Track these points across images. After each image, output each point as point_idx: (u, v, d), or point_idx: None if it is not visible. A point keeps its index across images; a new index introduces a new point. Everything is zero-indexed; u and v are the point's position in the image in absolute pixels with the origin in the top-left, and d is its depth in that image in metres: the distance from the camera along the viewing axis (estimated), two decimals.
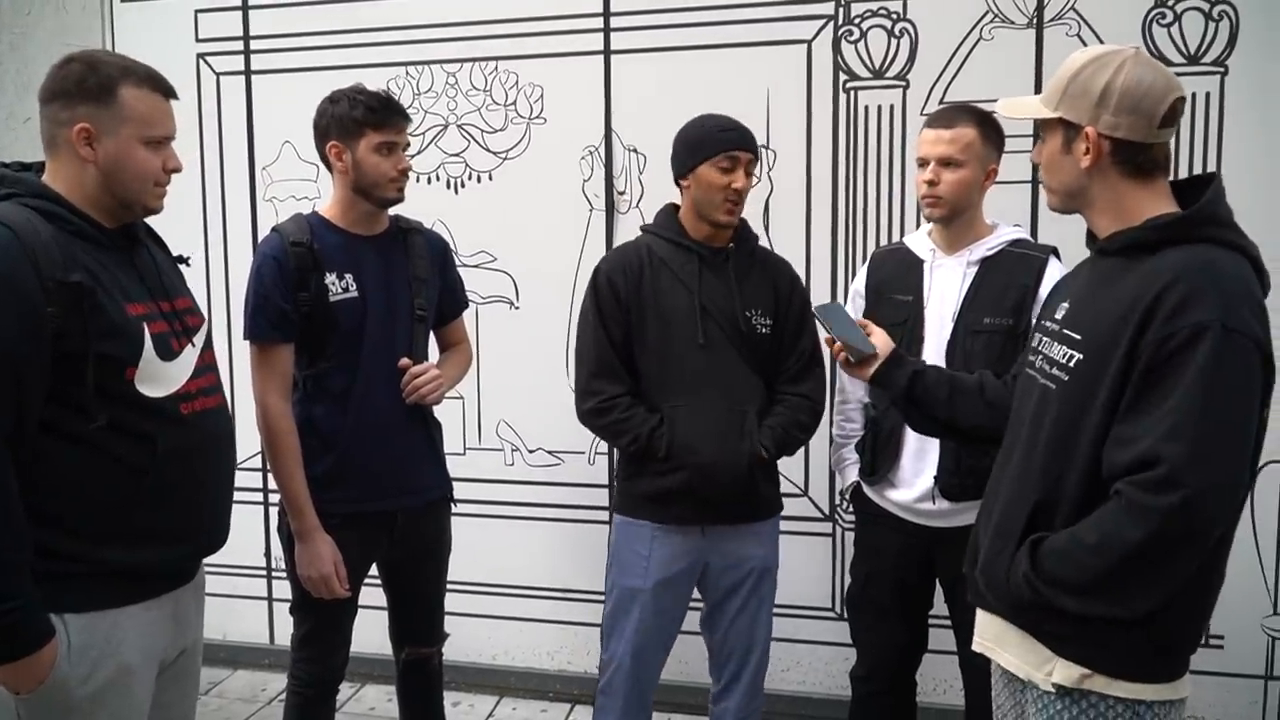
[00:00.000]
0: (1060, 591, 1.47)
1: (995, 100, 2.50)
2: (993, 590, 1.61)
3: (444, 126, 3.31)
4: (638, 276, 2.34)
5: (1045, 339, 1.63)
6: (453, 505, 2.50)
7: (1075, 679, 1.49)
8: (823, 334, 2.23)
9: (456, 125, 3.31)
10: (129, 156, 1.69)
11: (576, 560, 3.35)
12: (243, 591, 3.56)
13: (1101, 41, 2.78)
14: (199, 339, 1.81)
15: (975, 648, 1.70)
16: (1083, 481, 1.49)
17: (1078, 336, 1.54)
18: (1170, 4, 2.75)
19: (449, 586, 2.56)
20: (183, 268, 1.94)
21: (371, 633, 2.57)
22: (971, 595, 1.69)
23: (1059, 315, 1.62)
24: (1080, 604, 1.46)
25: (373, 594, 2.45)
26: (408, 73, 3.31)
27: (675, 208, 2.41)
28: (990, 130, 2.28)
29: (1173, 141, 2.79)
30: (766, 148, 3.04)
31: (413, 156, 2.92)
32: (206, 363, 1.82)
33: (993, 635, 1.66)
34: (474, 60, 3.26)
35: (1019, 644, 1.59)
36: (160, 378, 1.70)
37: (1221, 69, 2.75)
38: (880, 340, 1.99)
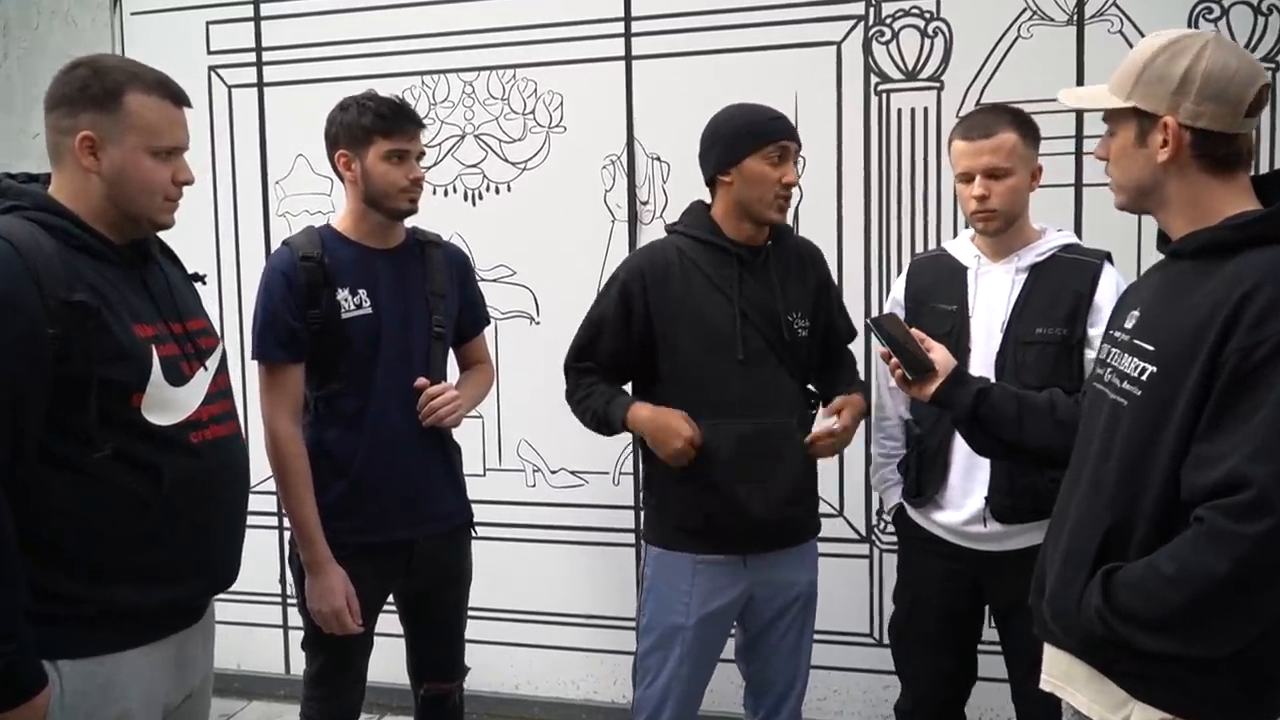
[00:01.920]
0: (1135, 627, 1.34)
1: (1034, 101, 2.43)
2: (1061, 624, 1.47)
3: (461, 137, 3.21)
4: (663, 284, 2.17)
5: (1115, 350, 1.50)
6: (473, 532, 2.38)
7: None
8: (878, 348, 2.09)
9: (474, 135, 3.21)
10: (135, 167, 1.60)
11: (601, 585, 3.23)
12: (257, 619, 3.46)
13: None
14: (212, 362, 1.71)
15: (1044, 685, 1.56)
16: (1159, 505, 1.36)
17: (1150, 347, 1.41)
18: None
19: (468, 613, 2.44)
20: (198, 286, 1.85)
21: (391, 661, 2.46)
22: (1038, 629, 1.55)
23: (1129, 325, 1.49)
24: (1158, 641, 1.33)
25: (390, 621, 2.34)
26: (423, 82, 3.21)
27: (706, 206, 2.25)
28: (1029, 129, 2.15)
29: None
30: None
31: (429, 168, 2.83)
32: (220, 388, 1.72)
33: (1061, 672, 1.52)
34: (491, 68, 3.16)
35: (1090, 683, 1.46)
36: (169, 404, 1.60)
37: (1273, 64, 2.61)
38: (940, 356, 1.85)
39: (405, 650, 2.38)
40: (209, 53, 3.38)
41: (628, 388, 2.29)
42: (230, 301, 3.42)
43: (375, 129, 2.13)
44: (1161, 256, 1.54)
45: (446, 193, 3.23)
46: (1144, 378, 1.40)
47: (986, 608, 2.29)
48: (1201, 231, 1.40)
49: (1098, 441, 1.47)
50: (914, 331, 1.91)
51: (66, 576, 1.51)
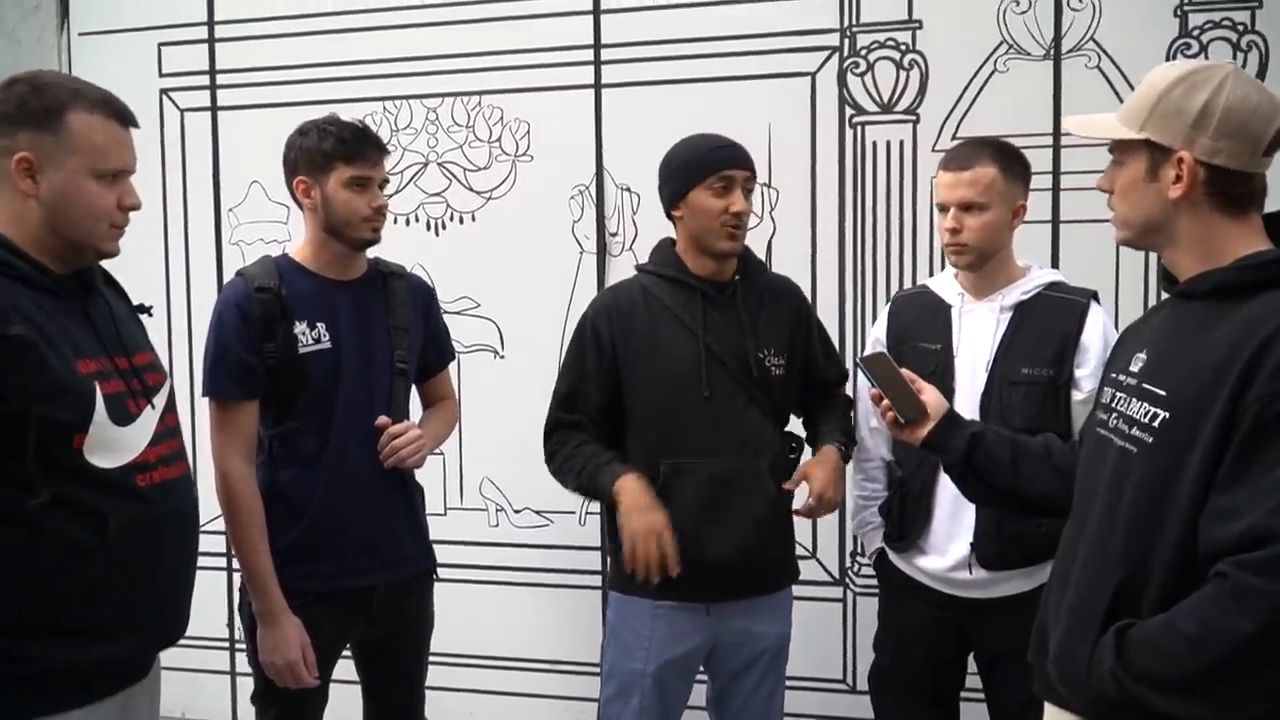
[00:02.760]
0: (1151, 689, 1.26)
1: (1011, 136, 2.39)
2: (1068, 684, 1.39)
3: (424, 164, 3.12)
4: (628, 322, 2.10)
5: (1120, 395, 1.43)
6: (435, 577, 2.26)
7: None
8: (867, 388, 2.01)
9: (437, 163, 3.11)
10: (77, 191, 1.50)
11: (566, 629, 3.11)
12: (204, 665, 3.28)
13: (1123, 74, 2.65)
14: (160, 399, 1.61)
15: None
16: (1174, 558, 1.28)
17: (1162, 392, 1.34)
18: (1195, 34, 2.62)
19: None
20: (144, 318, 1.74)
21: (346, 713, 2.32)
22: (1039, 688, 1.47)
23: (1134, 368, 1.42)
24: (1176, 704, 1.25)
25: (344, 668, 2.20)
26: (385, 108, 3.12)
27: (673, 242, 2.19)
28: (1014, 164, 2.10)
29: None
30: (769, 185, 2.86)
31: (391, 196, 2.73)
32: (168, 427, 1.61)
33: None
34: (455, 95, 3.08)
35: None
36: (114, 445, 1.49)
37: None
38: (931, 398, 1.78)
39: (362, 700, 2.25)
40: (161, 75, 3.26)
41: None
42: (180, 335, 3.28)
43: (336, 154, 2.03)
44: (1164, 295, 1.49)
45: (409, 222, 3.13)
46: (1155, 424, 1.33)
47: (970, 656, 2.21)
48: (1215, 271, 1.35)
49: (1105, 490, 1.40)
50: (904, 372, 1.84)
51: (2, 634, 1.40)
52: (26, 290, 1.46)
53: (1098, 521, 1.40)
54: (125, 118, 1.57)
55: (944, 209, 2.11)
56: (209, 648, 3.27)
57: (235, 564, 3.15)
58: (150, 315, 1.76)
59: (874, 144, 2.84)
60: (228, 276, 3.21)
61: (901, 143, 2.82)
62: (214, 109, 3.24)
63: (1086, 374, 2.00)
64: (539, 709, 3.14)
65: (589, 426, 2.13)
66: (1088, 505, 1.44)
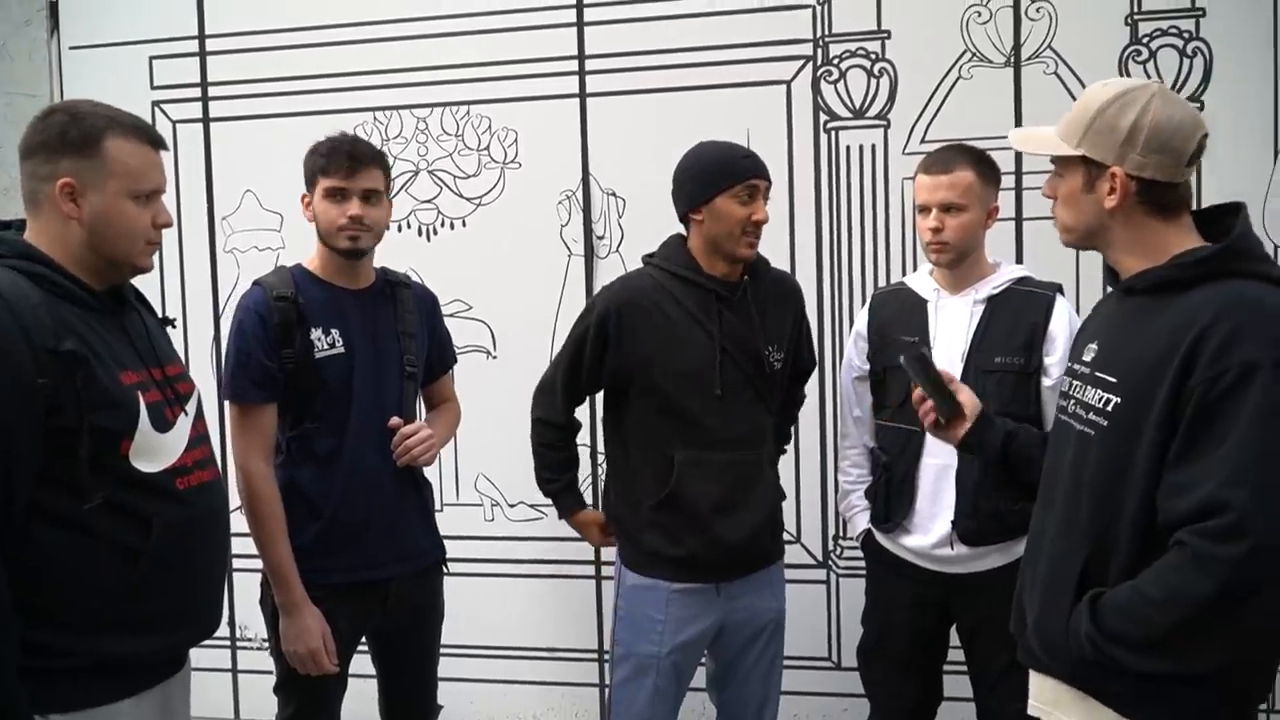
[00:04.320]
0: (1126, 650, 1.40)
1: (975, 139, 2.54)
2: (1049, 652, 1.53)
3: (415, 172, 3.21)
4: (640, 319, 2.18)
5: (1076, 383, 1.57)
6: (445, 569, 2.37)
7: None
8: (849, 380, 2.16)
9: (427, 171, 3.21)
10: (117, 212, 1.59)
11: (561, 617, 3.23)
12: (206, 664, 3.35)
13: (1079, 79, 2.81)
14: (191, 407, 1.71)
15: (1032, 712, 1.61)
16: (1134, 530, 1.43)
17: (1113, 379, 1.48)
18: (1145, 41, 2.79)
19: None
20: (169, 330, 1.84)
21: (356, 703, 2.42)
22: (1022, 656, 1.61)
23: (1087, 358, 1.56)
24: (1148, 662, 1.39)
25: (360, 662, 2.30)
26: (375, 118, 3.21)
27: (683, 239, 2.26)
28: (987, 169, 2.25)
29: None
30: None
31: None
32: (199, 433, 1.71)
33: (1050, 699, 1.58)
34: (444, 105, 3.18)
35: (1079, 706, 1.51)
36: (157, 451, 1.59)
37: (1197, 104, 2.78)
38: (967, 398, 1.86)
39: (378, 691, 2.35)
40: (152, 88, 3.33)
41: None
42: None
43: (316, 168, 2.14)
44: (1107, 290, 1.62)
45: (400, 228, 3.22)
46: (1109, 408, 1.47)
47: (953, 629, 2.36)
48: (1154, 269, 1.48)
49: (1068, 471, 1.53)
50: (942, 371, 1.92)
51: (57, 630, 1.49)
52: (72, 307, 1.55)
53: (1064, 500, 1.53)
54: (156, 141, 1.66)
55: (925, 210, 2.22)
56: (210, 646, 3.33)
57: (239, 564, 3.26)
58: (175, 327, 1.85)
59: (847, 148, 2.98)
60: (223, 284, 3.33)
61: (874, 146, 2.97)
62: (206, 120, 3.32)
63: (1054, 361, 2.15)
64: (535, 694, 3.26)
65: (571, 426, 2.37)
66: (1053, 485, 1.58)
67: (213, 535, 1.71)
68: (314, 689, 2.14)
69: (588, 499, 3.11)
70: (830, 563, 3.08)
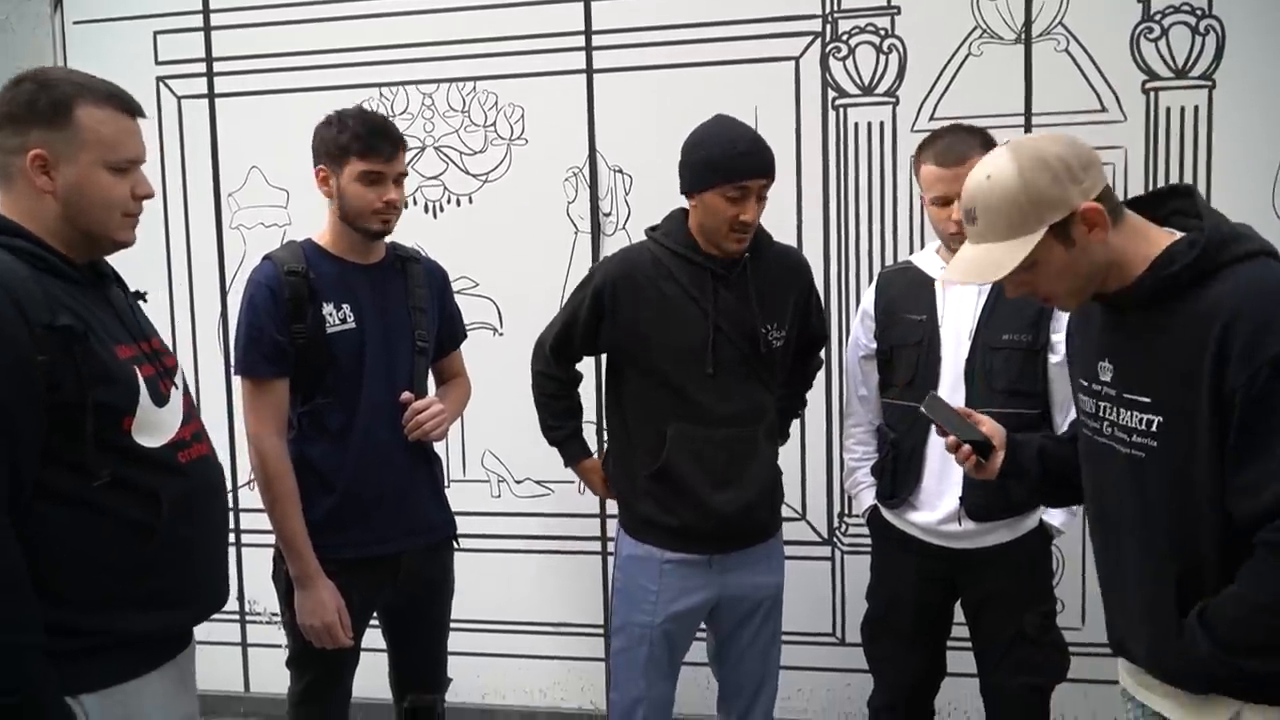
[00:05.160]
0: (1249, 656, 1.40)
1: (984, 117, 2.53)
2: (1174, 679, 1.51)
3: (421, 149, 3.20)
4: (638, 293, 2.20)
5: (1105, 404, 1.55)
6: (456, 544, 2.39)
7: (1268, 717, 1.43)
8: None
9: (434, 147, 3.21)
10: (92, 184, 1.53)
11: (568, 593, 3.25)
12: (216, 638, 3.38)
13: (1090, 56, 2.81)
14: (179, 380, 1.68)
15: (1162, 711, 1.58)
16: (1216, 539, 1.42)
17: (1146, 399, 1.46)
18: (1157, 18, 2.78)
19: None
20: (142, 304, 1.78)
21: (368, 676, 2.44)
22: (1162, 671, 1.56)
23: (1107, 378, 1.55)
24: (1270, 664, 1.39)
25: (369, 636, 2.32)
26: (381, 94, 3.20)
27: (686, 214, 2.25)
28: (991, 147, 2.23)
29: (1164, 156, 2.82)
30: None
31: None
32: (190, 406, 1.69)
33: (1169, 700, 1.55)
34: (451, 80, 3.17)
35: (1193, 704, 1.50)
36: (157, 425, 1.57)
37: (1210, 82, 2.77)
38: (991, 429, 1.82)
39: (389, 663, 2.38)
40: (157, 63, 3.31)
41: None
42: (183, 317, 3.35)
43: (351, 148, 2.10)
44: None
45: (407, 205, 3.21)
46: (1154, 429, 1.45)
47: (956, 605, 2.38)
48: (1143, 280, 1.45)
49: (1129, 498, 1.52)
50: (960, 409, 1.89)
51: (76, 610, 1.48)
52: (59, 282, 1.51)
53: (1135, 525, 1.51)
54: (132, 108, 1.59)
55: (944, 201, 2.19)
56: (220, 620, 3.36)
57: (247, 539, 3.28)
58: (145, 301, 1.77)
59: (855, 125, 2.98)
60: (229, 260, 3.33)
61: (882, 124, 2.96)
62: (211, 96, 3.30)
63: (1061, 338, 2.15)
64: (542, 669, 3.29)
65: (571, 378, 2.42)
66: (1109, 510, 1.56)
67: (216, 508, 1.71)
68: (328, 662, 2.16)
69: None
70: (835, 539, 3.09)
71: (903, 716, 2.42)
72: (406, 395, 2.17)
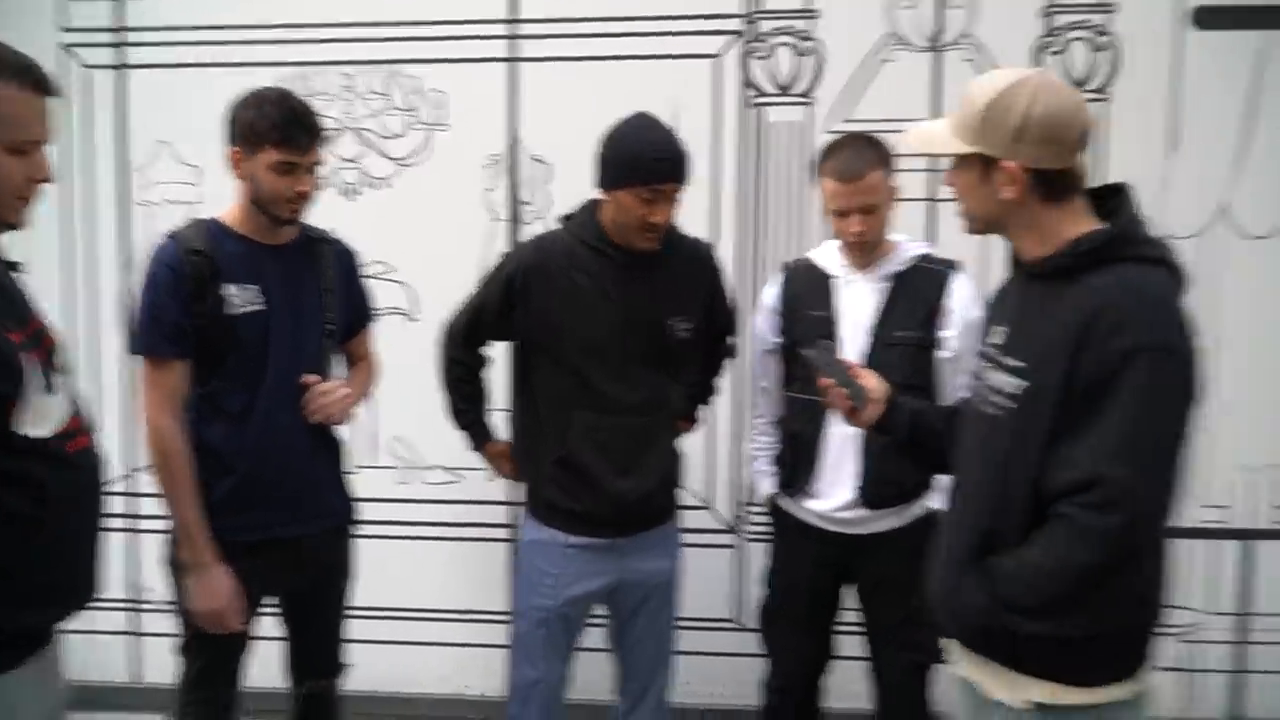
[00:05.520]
0: (1018, 615, 1.48)
1: (896, 120, 2.59)
2: (955, 620, 1.61)
3: (339, 131, 3.17)
4: (549, 281, 2.22)
5: (986, 365, 1.64)
6: (357, 529, 2.38)
7: (1046, 694, 1.51)
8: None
9: (352, 130, 3.17)
10: None
11: (476, 580, 3.25)
12: (102, 626, 3.30)
13: (995, 65, 2.89)
14: (63, 364, 1.61)
15: (955, 673, 1.69)
16: (1028, 504, 1.50)
17: (1021, 364, 1.54)
18: (1058, 34, 2.89)
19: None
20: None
21: (256, 665, 2.42)
22: (939, 621, 1.67)
23: (996, 341, 1.63)
24: (1041, 626, 1.47)
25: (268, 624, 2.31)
26: (300, 73, 3.15)
27: (598, 204, 2.27)
28: (887, 159, 2.28)
29: None
30: None
31: None
32: (74, 393, 1.62)
33: (957, 656, 1.66)
34: (372, 63, 3.14)
35: (983, 666, 1.59)
36: (45, 413, 1.51)
37: (1106, 96, 2.90)
38: (873, 383, 1.90)
39: (286, 648, 2.36)
40: (63, 30, 3.21)
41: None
42: (87, 294, 3.26)
43: (268, 136, 2.06)
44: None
45: (322, 186, 3.17)
46: (1017, 392, 1.53)
47: (846, 589, 2.46)
48: (1052, 257, 1.54)
49: (978, 451, 1.61)
50: (845, 360, 1.96)
51: None
52: None
53: (971, 478, 1.61)
54: (44, 86, 1.51)
55: (843, 214, 2.25)
56: (108, 608, 3.28)
57: (140, 526, 3.21)
58: (19, 273, 1.67)
59: (773, 125, 3.04)
60: (134, 236, 3.25)
61: (799, 125, 3.02)
62: (121, 67, 3.21)
63: (951, 335, 2.26)
64: (449, 656, 3.29)
65: (478, 363, 2.43)
66: (965, 468, 1.65)
67: (97, 499, 1.65)
68: (220, 648, 2.14)
69: None
70: (740, 528, 3.16)
71: (796, 698, 2.50)
72: (310, 377, 2.16)
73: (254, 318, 2.10)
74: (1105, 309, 1.43)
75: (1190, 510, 3.07)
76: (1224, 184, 2.96)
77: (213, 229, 2.13)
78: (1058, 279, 1.53)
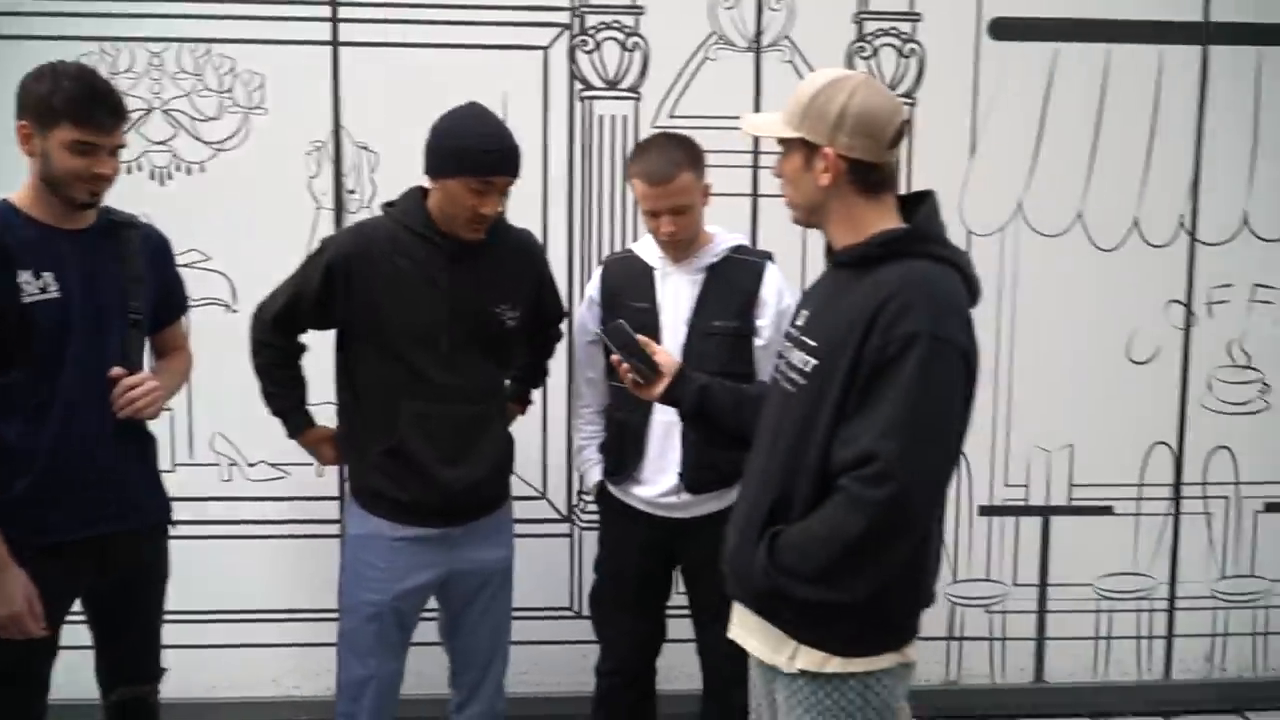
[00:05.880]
0: (793, 580, 1.57)
1: (718, 118, 2.71)
2: (740, 584, 1.69)
3: (147, 111, 3.01)
4: (372, 268, 2.19)
5: (788, 345, 1.74)
6: (171, 529, 2.29)
7: (813, 662, 1.61)
8: (583, 345, 2.28)
9: (162, 110, 3.02)
10: None
11: (304, 578, 3.16)
12: None
13: (811, 68, 3.03)
14: None
15: (731, 636, 1.79)
16: (813, 479, 1.59)
17: (814, 344, 1.64)
18: (869, 39, 3.06)
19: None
20: None
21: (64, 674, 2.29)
22: (728, 588, 1.76)
23: (799, 323, 1.73)
24: (812, 592, 1.56)
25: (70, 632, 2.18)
26: (103, 49, 2.97)
27: (423, 193, 2.26)
28: (698, 159, 2.35)
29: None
30: None
31: None
32: None
33: (739, 622, 1.76)
34: (182, 40, 3.00)
35: (763, 632, 1.68)
36: None
37: (912, 100, 3.08)
38: (665, 359, 2.00)
39: (95, 655, 2.24)
40: None
41: None
42: None
43: (64, 113, 1.94)
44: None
45: (130, 170, 3.01)
46: (809, 370, 1.63)
47: (674, 573, 2.54)
48: (856, 246, 1.66)
49: (772, 425, 1.70)
50: (640, 338, 2.04)
51: None
52: None
53: (765, 451, 1.70)
54: None
55: (655, 215, 2.32)
56: None
57: None
58: None
59: (600, 118, 3.08)
60: None
61: (625, 118, 3.08)
62: None
63: (765, 324, 2.37)
64: (275, 657, 3.19)
65: (293, 349, 2.38)
66: (761, 439, 1.74)
67: None
68: (19, 652, 2.01)
69: (328, 470, 3.10)
70: (574, 517, 3.20)
71: (627, 680, 2.56)
72: (117, 370, 2.05)
73: (49, 306, 1.98)
74: (893, 297, 1.54)
75: (993, 489, 3.32)
76: (1019, 186, 3.21)
77: (3, 211, 2.00)
78: (858, 268, 1.65)
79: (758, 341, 2.37)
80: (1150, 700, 3.42)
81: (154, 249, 2.23)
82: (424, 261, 2.21)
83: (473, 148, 2.14)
